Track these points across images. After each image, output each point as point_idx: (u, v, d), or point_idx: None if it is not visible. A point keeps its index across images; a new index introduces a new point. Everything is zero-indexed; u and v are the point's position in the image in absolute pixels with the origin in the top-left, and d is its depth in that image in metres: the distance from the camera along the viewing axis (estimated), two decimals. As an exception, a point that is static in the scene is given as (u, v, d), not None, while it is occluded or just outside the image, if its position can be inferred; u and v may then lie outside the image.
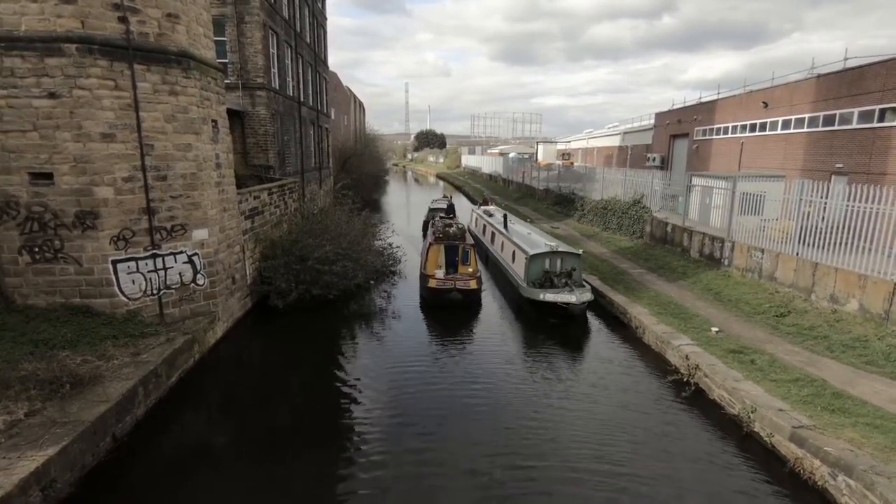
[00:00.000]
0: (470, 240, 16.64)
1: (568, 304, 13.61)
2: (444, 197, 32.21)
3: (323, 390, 10.27)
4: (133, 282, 10.53)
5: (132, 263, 10.47)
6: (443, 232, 16.55)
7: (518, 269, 15.85)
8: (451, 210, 24.19)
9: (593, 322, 14.36)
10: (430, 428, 8.72)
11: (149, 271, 10.69)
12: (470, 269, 15.56)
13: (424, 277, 15.20)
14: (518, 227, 19.93)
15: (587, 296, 13.93)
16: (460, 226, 18.11)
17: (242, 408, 9.43)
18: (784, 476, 7.39)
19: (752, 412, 8.34)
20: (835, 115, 20.93)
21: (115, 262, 10.28)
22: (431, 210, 27.07)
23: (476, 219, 24.88)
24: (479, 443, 8.27)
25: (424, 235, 23.59)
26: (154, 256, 10.71)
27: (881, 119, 18.62)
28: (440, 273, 14.94)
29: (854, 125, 19.85)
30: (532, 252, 15.06)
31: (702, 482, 7.41)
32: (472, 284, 14.73)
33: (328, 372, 11.10)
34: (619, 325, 13.76)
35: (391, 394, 9.89)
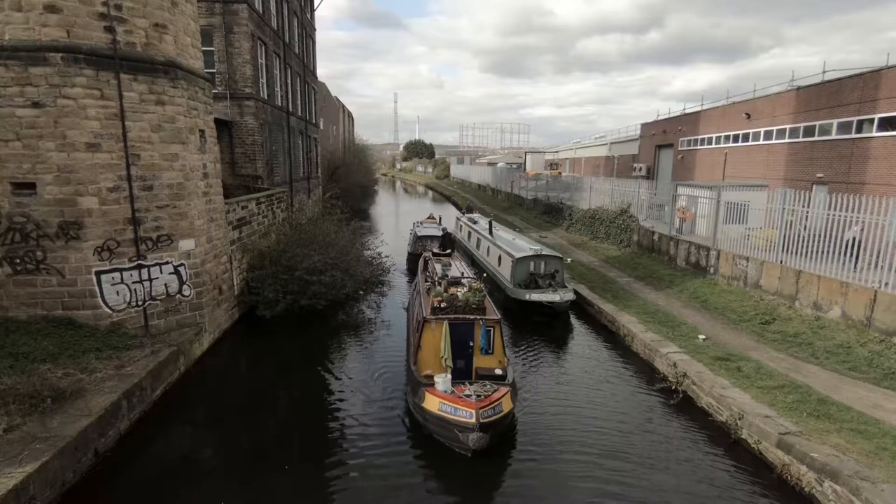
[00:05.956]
0: (493, 310, 9.92)
1: (552, 303, 14.64)
2: (431, 218, 25.14)
3: (311, 403, 10.14)
4: (117, 293, 10.35)
5: (116, 274, 10.30)
6: (448, 300, 9.62)
7: (504, 272, 16.56)
8: (447, 243, 18.22)
9: (582, 330, 14.42)
10: (419, 438, 8.64)
11: (134, 282, 10.52)
12: (497, 368, 9.19)
13: (416, 385, 8.74)
14: (503, 233, 20.62)
15: (570, 295, 14.99)
16: (475, 281, 11.19)
17: (229, 421, 9.26)
18: (772, 482, 7.44)
19: (739, 419, 8.40)
20: (815, 126, 21.43)
21: (98, 274, 10.11)
22: (419, 238, 19.84)
23: (461, 225, 25.68)
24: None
25: (411, 273, 18.34)
26: (139, 267, 10.55)
27: (859, 130, 19.11)
28: (443, 382, 8.23)
29: (833, 136, 20.34)
30: (518, 255, 15.95)
31: (690, 490, 7.41)
32: (505, 405, 7.98)
33: (316, 384, 10.97)
34: (608, 333, 13.83)
35: (379, 405, 9.78)
